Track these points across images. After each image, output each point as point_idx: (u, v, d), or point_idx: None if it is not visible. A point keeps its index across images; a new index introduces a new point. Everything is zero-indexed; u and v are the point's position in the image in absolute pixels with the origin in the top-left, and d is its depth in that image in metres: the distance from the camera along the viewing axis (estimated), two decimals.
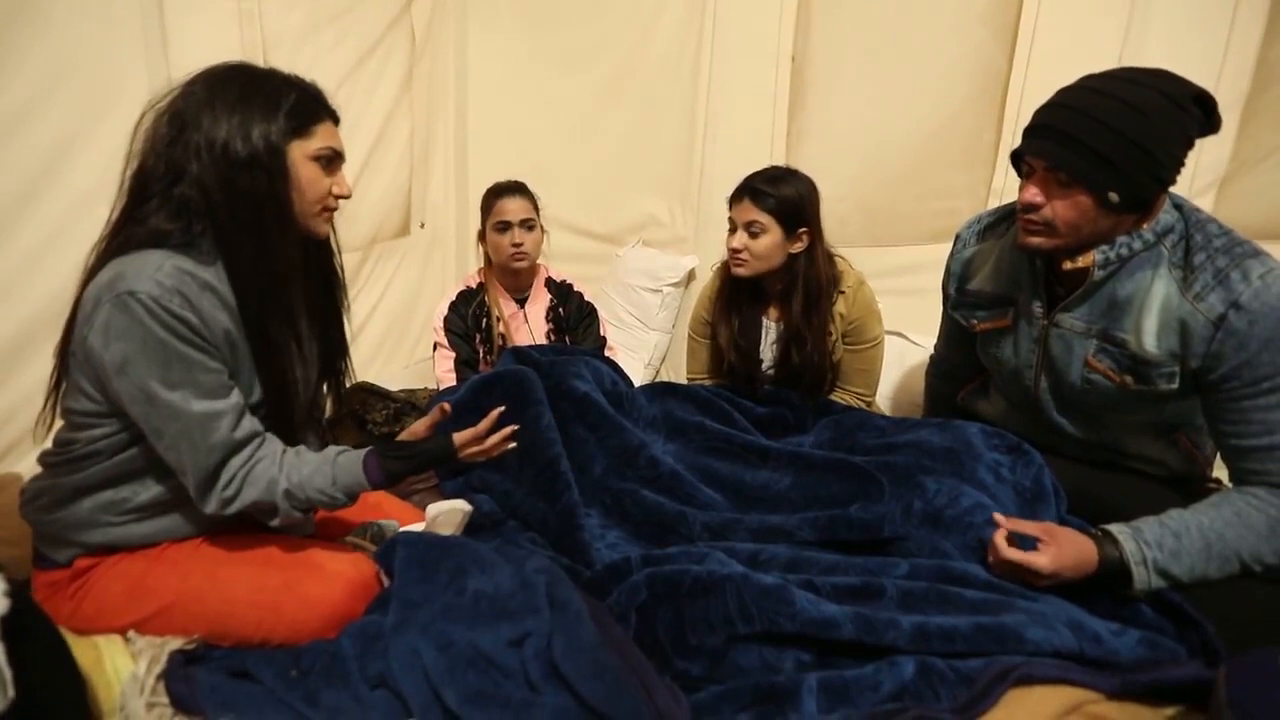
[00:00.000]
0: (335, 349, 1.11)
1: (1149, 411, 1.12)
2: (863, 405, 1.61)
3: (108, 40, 1.39)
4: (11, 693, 0.64)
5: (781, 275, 1.52)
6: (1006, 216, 1.25)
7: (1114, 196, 0.99)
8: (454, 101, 2.32)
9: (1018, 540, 0.99)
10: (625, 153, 2.28)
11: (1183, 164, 1.01)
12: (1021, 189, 1.07)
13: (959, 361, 1.40)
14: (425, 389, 1.89)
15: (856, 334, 1.57)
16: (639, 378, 2.14)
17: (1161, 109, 0.97)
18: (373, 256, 2.16)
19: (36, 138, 1.30)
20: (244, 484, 0.91)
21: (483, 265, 1.88)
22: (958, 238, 1.33)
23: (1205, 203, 1.70)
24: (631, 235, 2.37)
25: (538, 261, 1.85)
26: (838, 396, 1.61)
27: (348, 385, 1.17)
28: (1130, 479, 1.18)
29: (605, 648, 0.83)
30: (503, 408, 1.12)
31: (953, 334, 1.38)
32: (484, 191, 1.84)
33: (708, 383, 1.69)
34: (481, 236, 1.83)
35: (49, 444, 0.97)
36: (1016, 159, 1.09)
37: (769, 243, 1.47)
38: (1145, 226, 1.04)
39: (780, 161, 2.03)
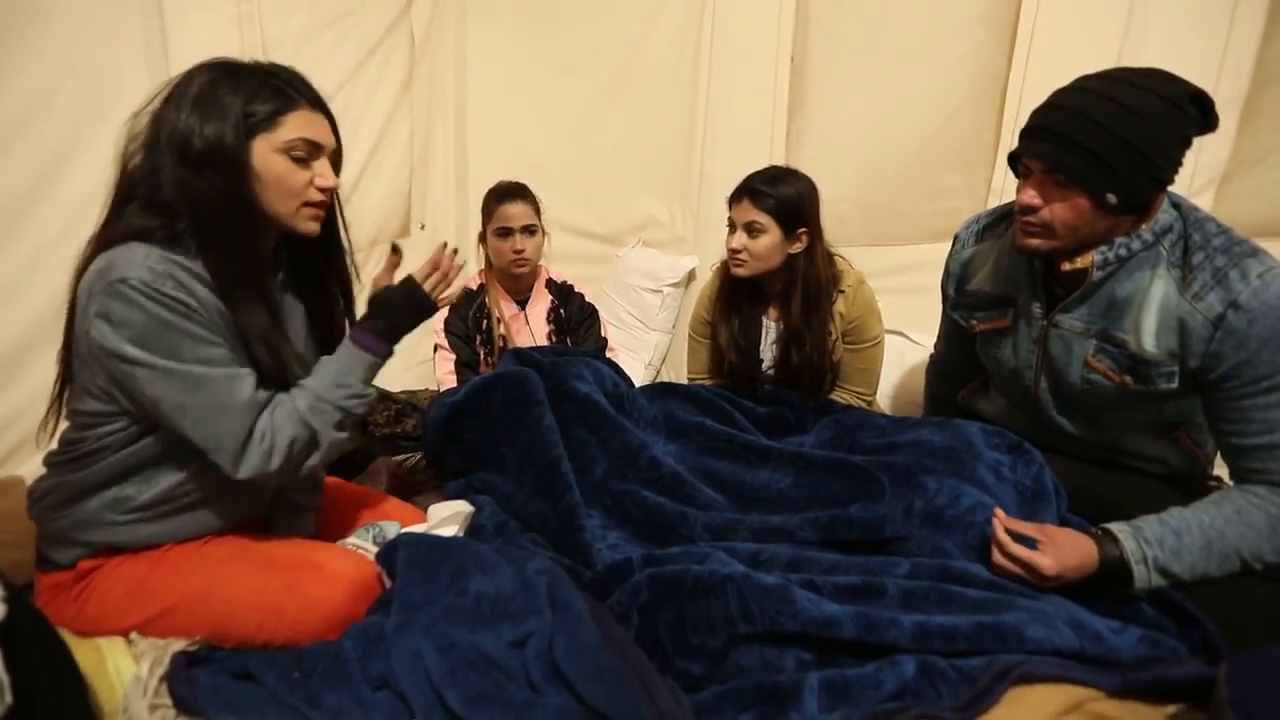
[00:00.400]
0: (333, 350, 1.10)
1: (1149, 411, 1.12)
2: (863, 404, 1.61)
3: (108, 44, 1.39)
4: (9, 698, 0.64)
5: (781, 275, 1.52)
6: (1005, 217, 1.26)
7: (1112, 198, 0.99)
8: (454, 103, 2.33)
9: (1018, 540, 0.99)
10: (625, 153, 2.28)
11: (1180, 164, 1.01)
12: (1019, 191, 1.07)
13: (959, 361, 1.40)
14: (427, 390, 1.89)
15: (856, 333, 1.57)
16: (640, 378, 2.15)
17: (1158, 110, 0.97)
18: (374, 258, 2.16)
19: (37, 142, 1.31)
20: (275, 431, 0.89)
21: (483, 267, 1.88)
22: (956, 238, 1.33)
23: (1205, 201, 1.71)
24: (631, 236, 2.38)
25: (538, 263, 1.85)
26: (838, 396, 1.61)
27: None
28: (1131, 478, 1.18)
29: (607, 648, 0.83)
30: (446, 242, 1.11)
31: (952, 334, 1.38)
32: (485, 193, 1.84)
33: (708, 383, 1.69)
34: (482, 238, 1.83)
35: (54, 445, 0.97)
36: (1014, 161, 1.09)
37: (768, 243, 1.47)
38: (1144, 227, 1.04)
39: (780, 161, 2.03)
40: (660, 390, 1.57)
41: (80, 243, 0.92)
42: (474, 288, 1.86)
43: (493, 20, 2.27)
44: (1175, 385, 1.04)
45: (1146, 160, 0.97)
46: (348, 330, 1.10)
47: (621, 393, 1.47)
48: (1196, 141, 1.01)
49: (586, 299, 1.91)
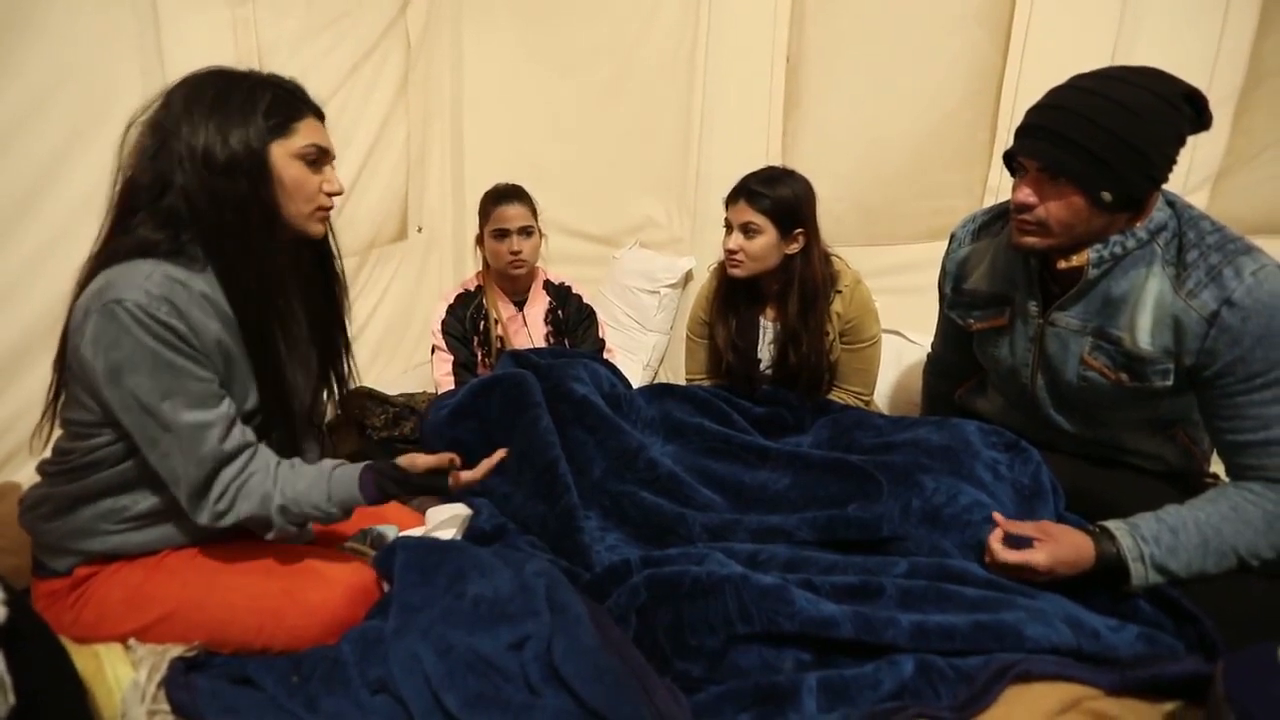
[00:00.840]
0: (335, 354, 1.11)
1: (1145, 408, 1.12)
2: (861, 404, 1.61)
3: (103, 48, 1.39)
4: (12, 699, 0.64)
5: (778, 276, 1.52)
6: (1001, 215, 1.26)
7: (1107, 196, 1.00)
8: (450, 105, 2.33)
9: (1014, 541, 0.99)
10: (621, 154, 2.28)
11: (1175, 162, 1.01)
12: (1015, 189, 1.07)
13: (956, 360, 1.40)
14: (424, 393, 1.89)
15: (854, 333, 1.57)
16: (637, 379, 2.15)
17: (1153, 108, 0.97)
18: (370, 261, 2.16)
19: (30, 147, 1.30)
20: (237, 497, 0.90)
21: (480, 269, 1.88)
22: (953, 237, 1.33)
23: (1200, 198, 1.71)
24: (628, 237, 2.38)
25: (536, 264, 1.85)
26: (836, 396, 1.61)
27: (349, 390, 1.17)
28: (1128, 475, 1.18)
29: (605, 650, 0.83)
30: (504, 452, 1.11)
31: (949, 333, 1.38)
32: (482, 195, 1.84)
33: (706, 383, 1.69)
34: (479, 240, 1.83)
35: (48, 453, 0.97)
36: (1009, 159, 1.09)
37: (764, 244, 1.47)
38: (1139, 225, 1.04)
39: (776, 161, 2.03)
40: (658, 391, 1.57)
41: (76, 248, 0.92)
42: (471, 289, 1.86)
43: (489, 22, 2.27)
44: (1170, 382, 1.04)
45: (1141, 158, 0.98)
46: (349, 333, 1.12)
47: (619, 394, 1.47)
48: (1191, 139, 1.01)
49: (584, 300, 1.91)
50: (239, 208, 0.88)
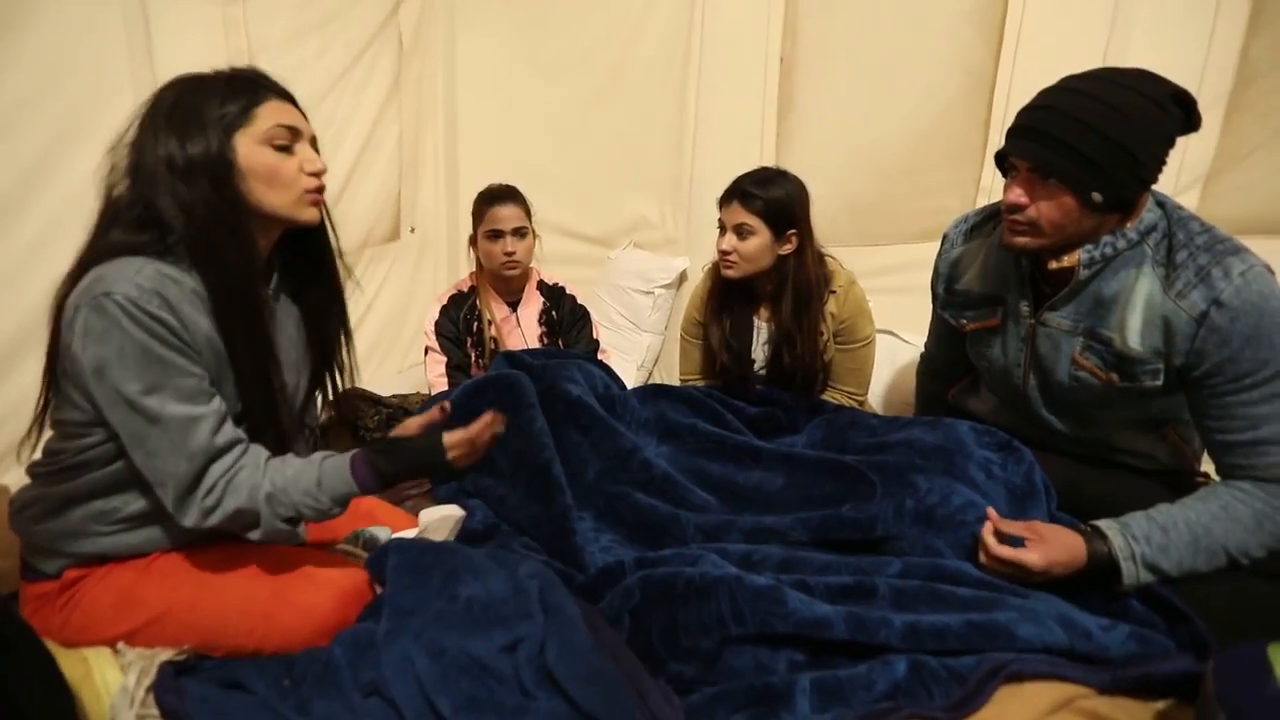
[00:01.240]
0: (333, 353, 1.09)
1: (1136, 408, 1.13)
2: (855, 404, 1.62)
3: (92, 48, 1.38)
4: None
5: (772, 276, 1.53)
6: (992, 216, 1.26)
7: (1097, 196, 1.00)
8: (443, 105, 2.32)
9: (1006, 540, 1.00)
10: (616, 155, 2.28)
11: (1164, 163, 1.02)
12: (1006, 189, 1.08)
13: (949, 360, 1.41)
14: (418, 394, 1.88)
15: (848, 333, 1.57)
16: (632, 379, 2.15)
17: (1143, 109, 0.98)
18: (363, 261, 2.16)
19: (19, 147, 1.30)
20: (225, 492, 0.87)
21: (474, 269, 1.87)
22: (945, 238, 1.33)
23: (1190, 199, 1.72)
24: (623, 237, 2.38)
25: (530, 265, 1.85)
26: (830, 396, 1.62)
27: (344, 390, 1.16)
28: (1120, 474, 1.19)
29: (599, 652, 0.83)
30: (494, 413, 1.06)
31: (942, 333, 1.39)
32: (475, 196, 1.83)
33: (700, 383, 1.69)
34: (473, 241, 1.82)
35: (39, 454, 0.96)
36: (1001, 159, 1.09)
37: (758, 245, 1.47)
38: (1129, 225, 1.04)
39: (770, 162, 2.04)
40: (652, 392, 1.57)
41: (66, 246, 0.91)
42: (465, 290, 1.85)
43: (482, 22, 2.27)
44: (1160, 383, 1.05)
45: (1131, 159, 0.98)
46: (342, 333, 1.09)
47: (613, 395, 1.47)
48: (1181, 139, 1.02)
49: (578, 301, 1.90)
50: (204, 212, 0.86)
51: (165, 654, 0.90)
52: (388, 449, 0.97)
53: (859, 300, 1.57)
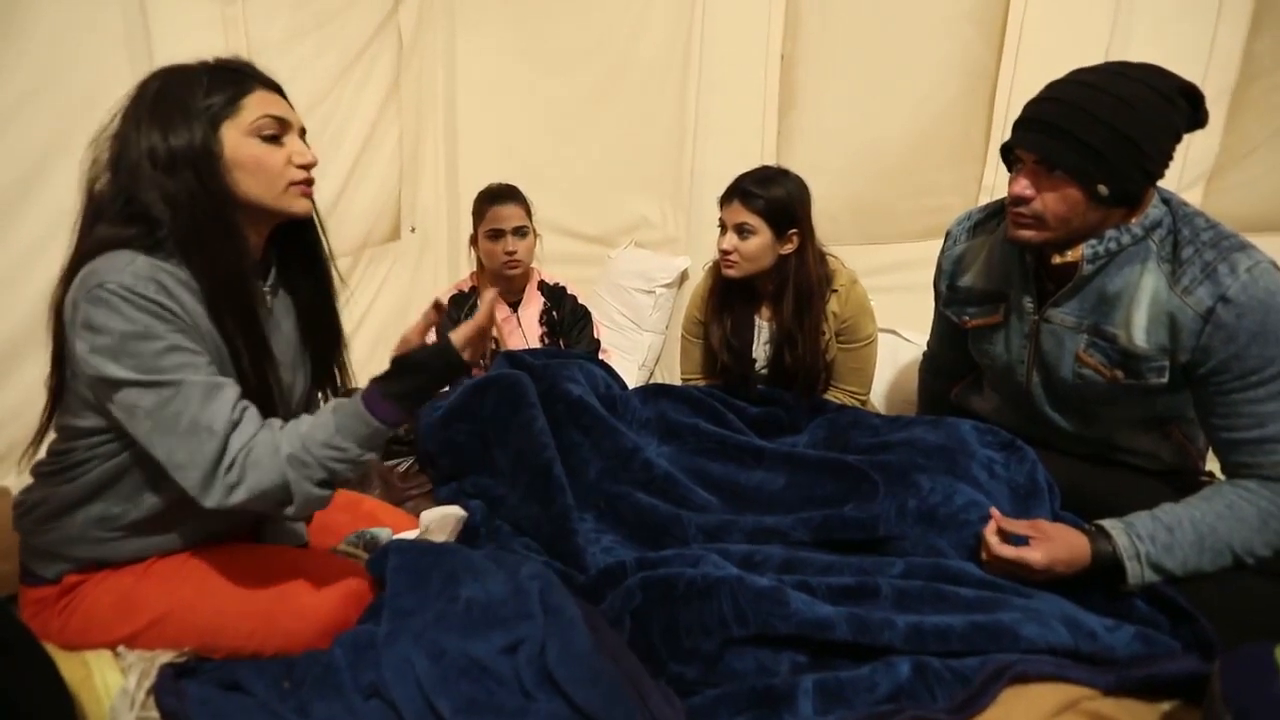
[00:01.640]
0: (329, 350, 1.09)
1: (1140, 405, 1.12)
2: (857, 404, 1.61)
3: (91, 47, 1.38)
4: None
5: (773, 276, 1.52)
6: (996, 213, 1.26)
7: (1103, 189, 0.99)
8: (443, 104, 2.32)
9: (1010, 539, 0.99)
10: (616, 154, 2.28)
11: (1171, 158, 1.01)
12: (1011, 182, 1.07)
13: (952, 358, 1.40)
14: None
15: (850, 333, 1.57)
16: (633, 379, 2.14)
17: (1150, 103, 0.97)
18: (363, 261, 2.15)
19: (13, 155, 1.29)
20: (246, 466, 0.81)
21: (475, 269, 1.87)
22: (948, 235, 1.33)
23: (1194, 195, 1.71)
24: (624, 236, 2.37)
25: (530, 265, 1.84)
26: (832, 395, 1.61)
27: (343, 390, 1.15)
28: (1123, 473, 1.18)
29: (599, 653, 0.83)
30: (493, 291, 0.98)
31: (945, 331, 1.38)
32: (476, 195, 1.83)
33: (701, 383, 1.68)
34: (473, 241, 1.82)
35: (42, 454, 0.95)
36: (1006, 152, 1.09)
37: (759, 244, 1.47)
38: (1134, 221, 1.04)
39: (771, 160, 2.03)
40: (653, 392, 1.56)
41: (63, 252, 0.91)
42: (466, 290, 1.85)
43: (482, 21, 2.26)
44: (1166, 380, 1.04)
45: (1138, 152, 0.97)
46: (339, 323, 1.07)
47: (614, 395, 1.46)
48: (1185, 137, 1.01)
49: (579, 301, 1.90)
50: (190, 203, 0.84)
51: (165, 656, 0.90)
52: (396, 370, 0.89)
53: (861, 299, 1.56)
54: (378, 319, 2.24)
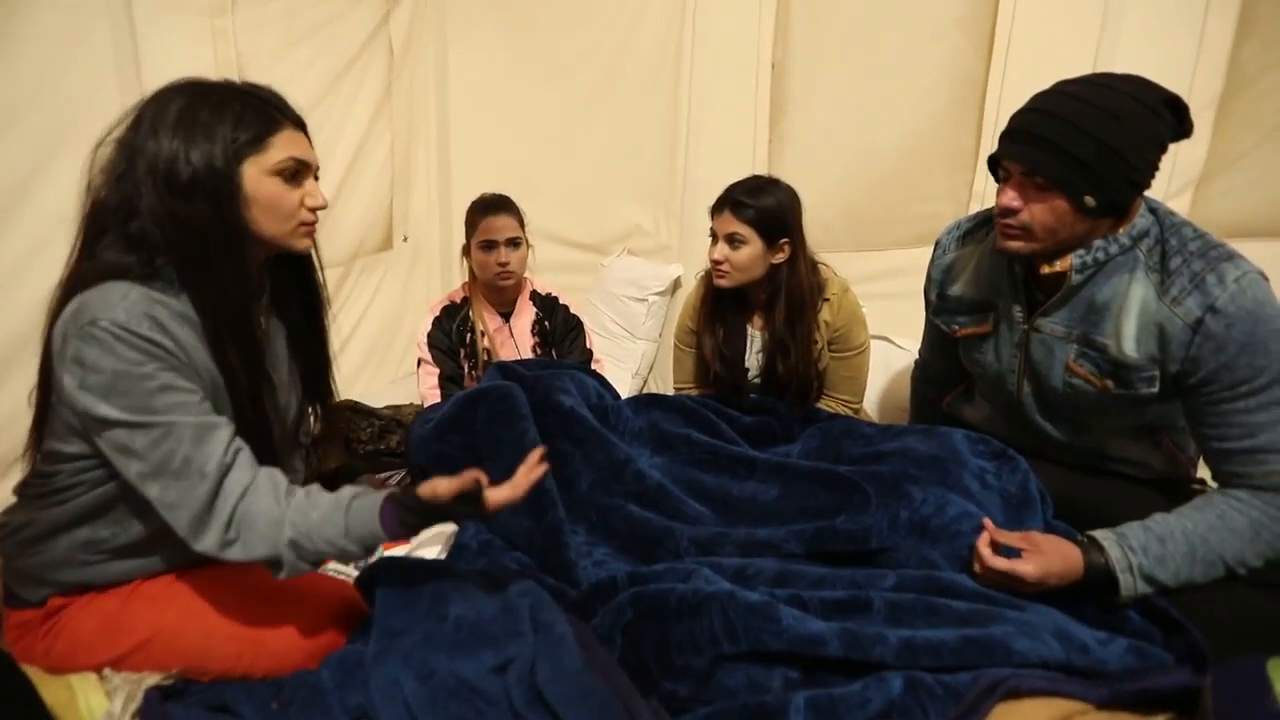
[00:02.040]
0: (318, 371, 1.08)
1: (1131, 415, 1.12)
2: (850, 412, 1.61)
3: (78, 59, 1.37)
4: None
5: (764, 285, 1.52)
6: (985, 222, 1.26)
7: (1090, 200, 1.00)
8: (435, 114, 2.31)
9: (1002, 551, 0.99)
10: (608, 162, 2.28)
11: (1157, 168, 1.02)
12: (999, 193, 1.07)
13: (943, 366, 1.40)
14: (410, 405, 1.87)
15: (842, 341, 1.57)
16: (627, 387, 2.14)
17: (1135, 114, 0.97)
18: (355, 271, 2.15)
19: (4, 159, 1.28)
20: (244, 528, 0.82)
21: (466, 279, 1.86)
22: (938, 244, 1.33)
23: (1182, 203, 1.72)
24: (616, 244, 2.37)
25: (523, 275, 1.84)
26: (825, 404, 1.61)
27: (334, 403, 1.14)
28: (1115, 482, 1.18)
29: (590, 672, 0.82)
30: (541, 453, 0.99)
31: (936, 340, 1.38)
32: (468, 205, 1.82)
33: (695, 392, 1.68)
34: (466, 251, 1.81)
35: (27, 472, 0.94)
36: (993, 163, 1.09)
37: (750, 254, 1.47)
38: (1121, 231, 1.04)
39: (763, 168, 2.03)
40: (646, 402, 1.56)
41: (53, 260, 0.89)
42: (457, 301, 1.84)
43: (473, 30, 2.26)
44: (1156, 390, 1.04)
45: (1124, 163, 0.98)
46: (329, 347, 1.08)
47: (606, 405, 1.46)
48: (1173, 145, 1.02)
49: (571, 311, 1.89)
50: (200, 230, 0.83)
51: (152, 678, 0.89)
52: (419, 506, 0.89)
53: (853, 308, 1.56)
54: (370, 328, 2.23)
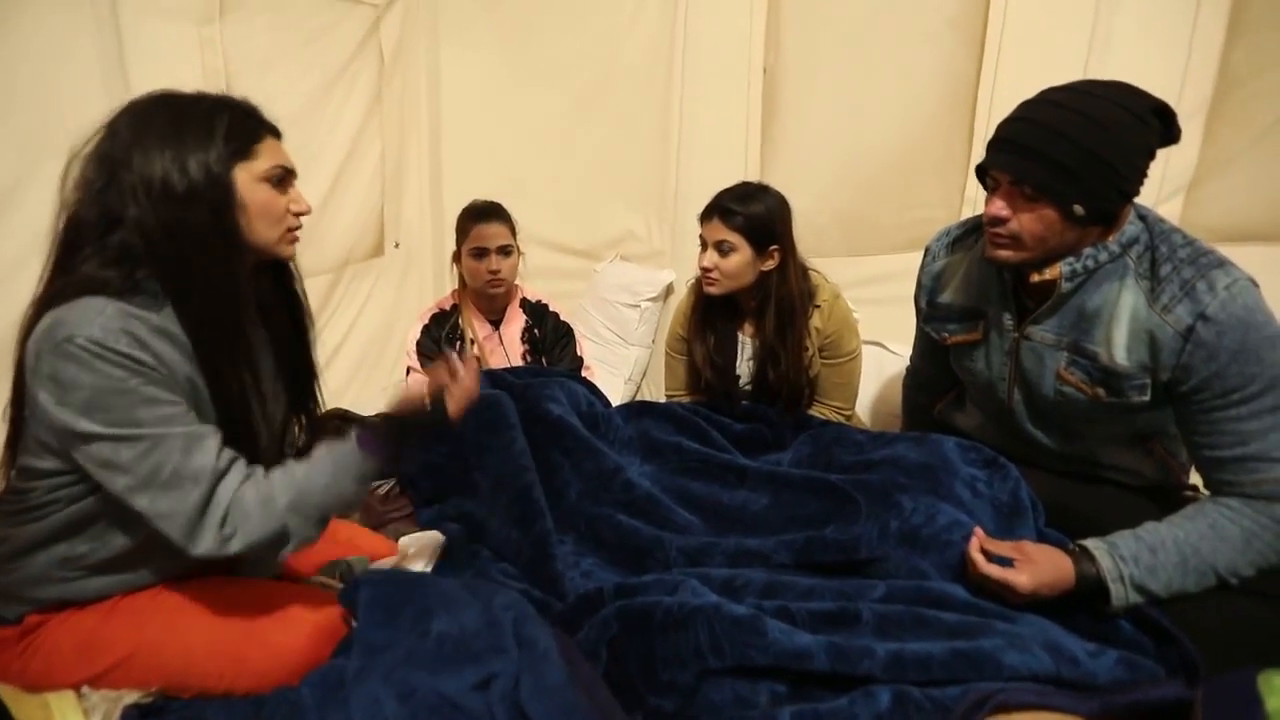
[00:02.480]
0: (304, 381, 1.07)
1: (1122, 422, 1.11)
2: (842, 418, 1.60)
3: (64, 68, 1.36)
4: None
5: (755, 292, 1.51)
6: (975, 229, 1.25)
7: (1079, 209, 0.99)
8: (427, 119, 2.31)
9: (994, 560, 0.98)
10: (601, 167, 2.27)
11: (1145, 176, 1.01)
12: (987, 202, 1.06)
13: (934, 374, 1.39)
14: None
15: (833, 348, 1.56)
16: (619, 394, 2.13)
17: (1122, 122, 0.97)
18: (345, 277, 2.14)
19: None
20: (240, 518, 0.82)
21: (457, 287, 1.86)
22: (927, 250, 1.32)
23: (1174, 207, 1.72)
24: (609, 250, 2.36)
25: (514, 283, 1.83)
26: (816, 410, 1.60)
27: (320, 414, 1.13)
28: (1107, 490, 1.17)
29: (573, 687, 0.81)
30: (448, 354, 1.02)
31: (926, 347, 1.37)
32: (460, 212, 1.82)
33: (686, 399, 1.67)
34: (456, 258, 1.81)
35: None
36: (981, 173, 1.08)
37: (739, 261, 1.46)
38: (1110, 238, 1.03)
39: (755, 173, 2.03)
40: (636, 409, 1.55)
41: (36, 271, 0.88)
42: (447, 308, 1.83)
43: (465, 36, 2.26)
44: (1147, 398, 1.04)
45: (1112, 171, 0.97)
46: (313, 353, 1.07)
47: (596, 413, 1.45)
48: (1164, 150, 1.01)
49: (561, 318, 1.89)
50: (199, 238, 0.84)
51: (131, 696, 0.88)
52: (390, 423, 0.93)
53: (844, 314, 1.55)
54: (362, 335, 2.22)
